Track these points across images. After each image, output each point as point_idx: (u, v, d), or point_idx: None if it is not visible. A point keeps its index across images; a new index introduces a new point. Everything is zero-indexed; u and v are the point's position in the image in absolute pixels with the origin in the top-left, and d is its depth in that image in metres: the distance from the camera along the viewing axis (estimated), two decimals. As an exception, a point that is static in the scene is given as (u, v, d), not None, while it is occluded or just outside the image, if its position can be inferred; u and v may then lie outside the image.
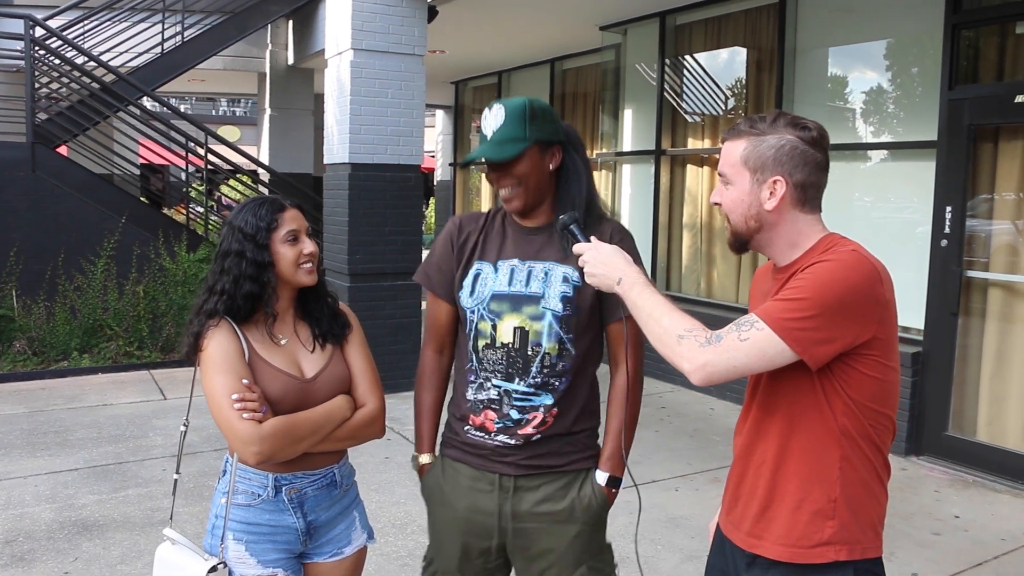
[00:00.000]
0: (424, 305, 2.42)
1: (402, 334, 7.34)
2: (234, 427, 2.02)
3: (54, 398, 6.94)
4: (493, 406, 2.21)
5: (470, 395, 2.25)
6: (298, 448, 2.11)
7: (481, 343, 2.21)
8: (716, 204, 1.86)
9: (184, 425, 2.32)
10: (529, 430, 2.19)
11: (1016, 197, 5.42)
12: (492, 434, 2.21)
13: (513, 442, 2.20)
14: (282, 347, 2.21)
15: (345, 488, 2.33)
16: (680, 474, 5.37)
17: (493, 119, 2.14)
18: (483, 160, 2.16)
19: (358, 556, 2.36)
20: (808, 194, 1.77)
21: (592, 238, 2.00)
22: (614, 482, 2.25)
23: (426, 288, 2.37)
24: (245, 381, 2.06)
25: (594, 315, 2.22)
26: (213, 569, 2.08)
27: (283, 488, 2.18)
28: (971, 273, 5.59)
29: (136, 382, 7.55)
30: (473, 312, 2.22)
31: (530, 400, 2.19)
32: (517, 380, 2.18)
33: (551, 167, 2.20)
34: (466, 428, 2.26)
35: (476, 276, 2.24)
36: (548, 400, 2.19)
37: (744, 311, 1.85)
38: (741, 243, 1.84)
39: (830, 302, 1.61)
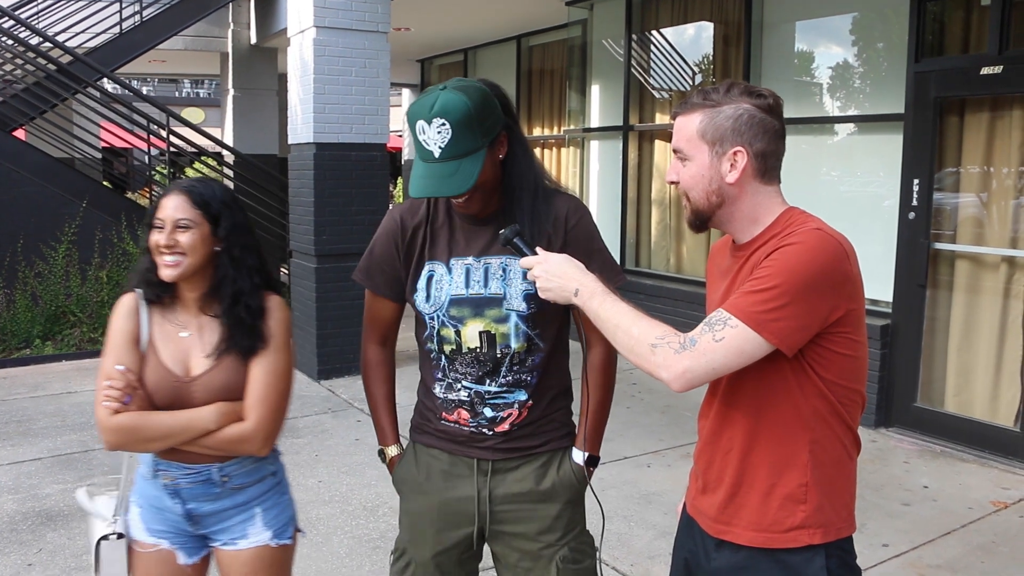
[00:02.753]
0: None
1: (371, 315, 7.25)
2: (96, 410, 2.04)
3: (16, 387, 6.80)
4: (465, 407, 2.14)
5: (439, 392, 2.17)
6: (148, 447, 2.11)
7: (447, 348, 2.12)
8: (673, 183, 1.78)
9: None
10: (505, 427, 2.13)
11: (982, 169, 5.45)
12: (467, 426, 2.15)
13: (490, 433, 2.14)
14: (180, 339, 2.16)
15: (233, 487, 2.19)
16: (652, 450, 5.37)
17: (435, 133, 1.87)
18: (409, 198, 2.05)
19: (258, 553, 2.22)
20: (768, 164, 1.71)
21: (539, 249, 1.87)
22: (593, 461, 2.21)
23: (368, 288, 2.25)
24: (119, 367, 2.05)
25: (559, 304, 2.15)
26: (105, 537, 2.09)
27: (159, 472, 2.16)
28: (939, 245, 5.61)
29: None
30: (432, 318, 2.12)
31: (503, 398, 2.12)
32: (488, 382, 2.11)
33: (500, 157, 2.02)
34: (439, 417, 2.19)
35: (429, 279, 2.12)
36: (522, 396, 2.13)
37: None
38: (702, 221, 1.77)
39: (800, 287, 1.56)
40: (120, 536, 2.10)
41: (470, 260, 2.10)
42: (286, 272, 9.92)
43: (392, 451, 2.31)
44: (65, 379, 7.06)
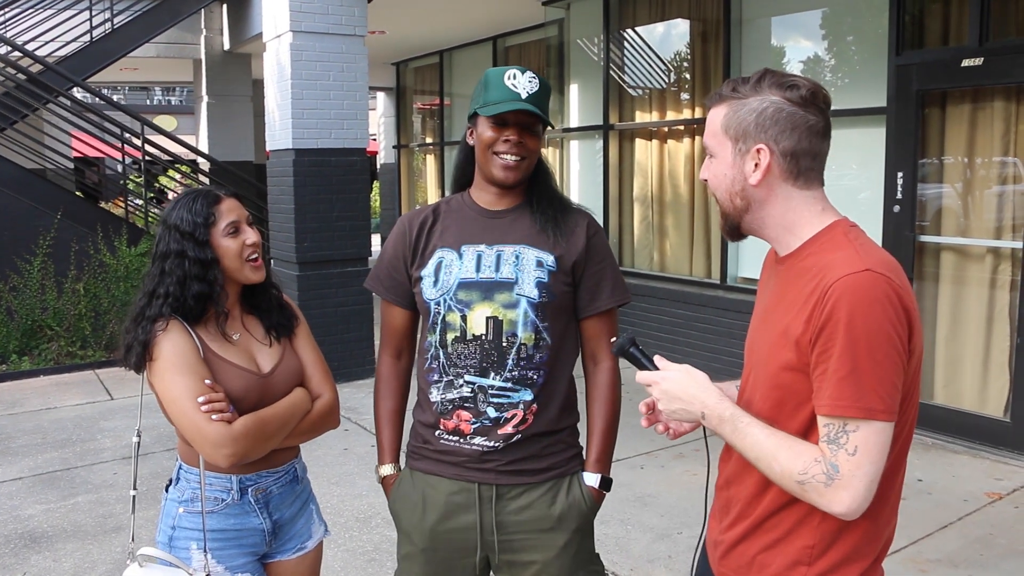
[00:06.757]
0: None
1: (353, 322, 7.18)
2: (203, 430, 1.90)
3: (-6, 404, 6.67)
4: (467, 404, 2.02)
5: (436, 396, 2.06)
6: (268, 445, 2.04)
7: (450, 336, 2.03)
8: (705, 180, 1.64)
9: (137, 436, 2.21)
10: (509, 429, 2.02)
11: (965, 161, 5.45)
12: (468, 436, 2.03)
13: (492, 444, 2.02)
14: (235, 343, 2.11)
15: (304, 482, 2.29)
16: (644, 451, 5.33)
17: (527, 82, 2.01)
18: (492, 114, 1.99)
19: (319, 550, 2.32)
20: (800, 164, 1.52)
21: (659, 360, 1.65)
22: (606, 484, 2.14)
23: (377, 295, 2.22)
24: (208, 381, 1.95)
25: (568, 300, 2.08)
26: None
27: (249, 489, 2.10)
28: (924, 237, 5.62)
29: (80, 383, 7.29)
30: (439, 304, 2.04)
31: (508, 396, 2.01)
32: (492, 375, 2.01)
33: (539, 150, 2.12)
34: (437, 433, 2.07)
35: (439, 264, 2.06)
36: (527, 396, 2.02)
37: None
38: (732, 226, 1.61)
39: (875, 349, 1.40)
40: None
41: (482, 247, 2.07)
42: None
43: (385, 470, 2.20)
44: (44, 395, 6.92)
